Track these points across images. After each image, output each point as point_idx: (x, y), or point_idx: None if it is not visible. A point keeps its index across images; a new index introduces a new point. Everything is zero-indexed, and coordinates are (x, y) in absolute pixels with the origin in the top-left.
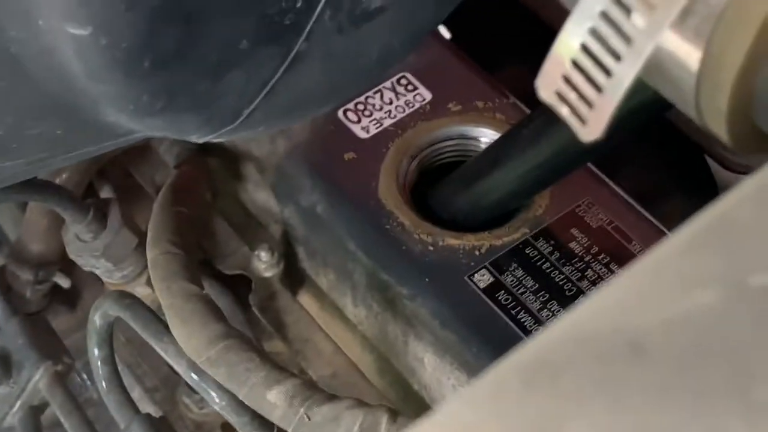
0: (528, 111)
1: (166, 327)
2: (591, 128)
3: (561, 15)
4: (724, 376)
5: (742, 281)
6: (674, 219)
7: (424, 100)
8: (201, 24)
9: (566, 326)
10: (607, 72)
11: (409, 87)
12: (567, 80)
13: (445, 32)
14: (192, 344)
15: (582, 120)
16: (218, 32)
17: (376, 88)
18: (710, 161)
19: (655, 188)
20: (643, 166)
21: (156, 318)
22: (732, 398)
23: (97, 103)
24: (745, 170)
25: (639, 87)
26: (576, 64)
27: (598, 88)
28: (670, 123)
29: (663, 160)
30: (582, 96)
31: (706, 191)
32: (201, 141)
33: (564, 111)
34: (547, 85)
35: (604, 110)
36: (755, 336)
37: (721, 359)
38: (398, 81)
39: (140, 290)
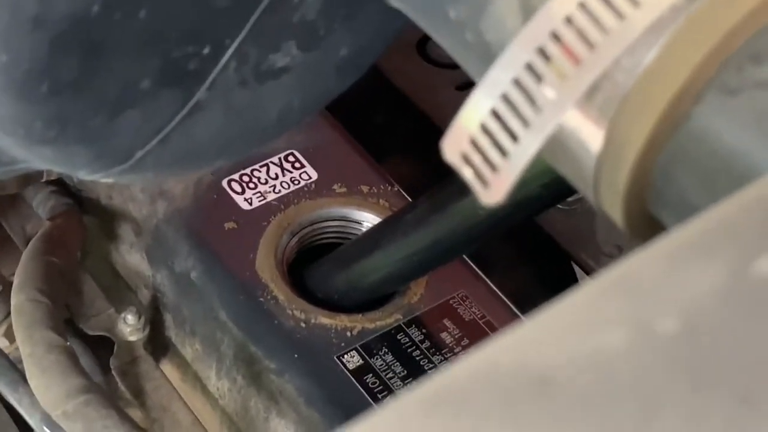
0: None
1: (23, 377)
2: (493, 192)
3: (448, 114)
4: (629, 413)
5: (649, 325)
6: None
7: (309, 178)
8: (105, 57)
9: (472, 361)
10: (514, 138)
11: (296, 164)
12: (473, 143)
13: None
14: (49, 396)
15: (485, 183)
16: (121, 68)
17: (262, 162)
18: (577, 270)
19: (522, 292)
20: (512, 270)
21: (12, 367)
22: None
23: None
24: None
25: (525, 180)
26: (484, 128)
27: (503, 152)
28: (541, 229)
29: (532, 266)
30: (487, 159)
31: None
32: (89, 178)
33: (467, 173)
34: (453, 146)
35: (508, 175)
36: (661, 375)
37: (627, 396)
38: (286, 158)
39: None
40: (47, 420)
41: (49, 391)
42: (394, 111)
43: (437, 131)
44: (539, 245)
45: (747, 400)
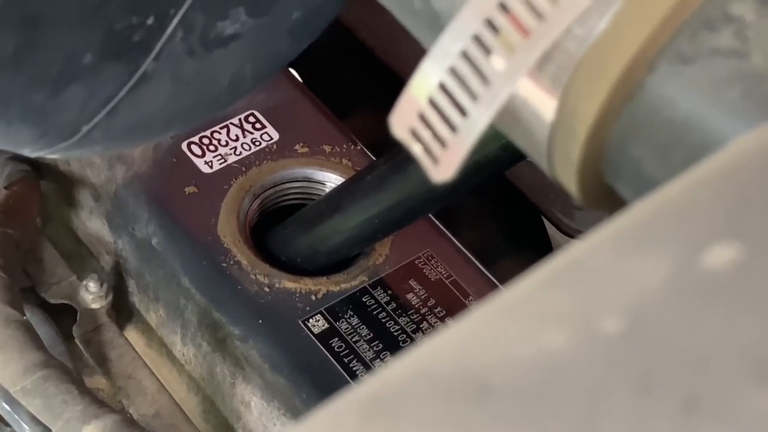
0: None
1: None
2: (443, 169)
3: (413, 67)
4: (570, 420)
5: (593, 324)
6: (508, 278)
7: (271, 139)
8: (43, 31)
9: (411, 361)
10: (463, 112)
11: (257, 125)
12: (422, 118)
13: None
14: (7, 372)
15: (434, 160)
16: (61, 42)
17: (222, 124)
18: (547, 224)
19: (491, 246)
20: (480, 224)
21: None
22: None
23: None
24: (580, 235)
25: (484, 141)
26: (432, 103)
27: (452, 128)
28: (510, 183)
29: (500, 220)
30: (436, 135)
31: (542, 253)
32: (34, 155)
33: (417, 149)
34: (401, 121)
35: (458, 151)
36: (604, 379)
37: (568, 402)
38: (246, 118)
39: None
40: (6, 396)
41: (7, 367)
42: (357, 64)
43: (402, 84)
44: (507, 199)
45: (692, 407)
